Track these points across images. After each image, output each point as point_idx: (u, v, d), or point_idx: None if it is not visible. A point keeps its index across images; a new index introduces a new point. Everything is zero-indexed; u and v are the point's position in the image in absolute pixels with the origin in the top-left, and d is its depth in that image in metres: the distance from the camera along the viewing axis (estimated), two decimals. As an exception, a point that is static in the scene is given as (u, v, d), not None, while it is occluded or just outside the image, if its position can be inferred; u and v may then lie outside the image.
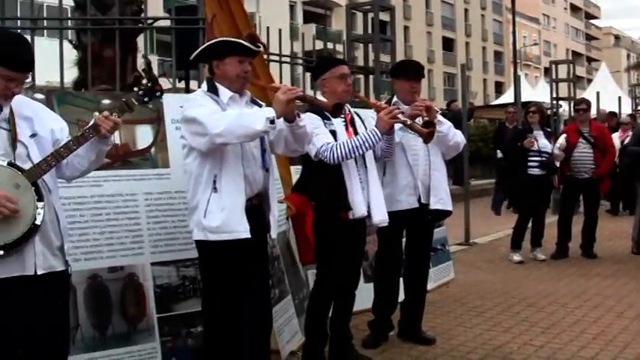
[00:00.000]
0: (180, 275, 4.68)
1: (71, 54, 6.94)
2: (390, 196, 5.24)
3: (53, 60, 5.61)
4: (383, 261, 5.71)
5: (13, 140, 3.33)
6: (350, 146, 4.61)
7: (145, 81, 3.71)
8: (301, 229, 4.76)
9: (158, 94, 3.68)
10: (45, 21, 8.38)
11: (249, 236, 3.99)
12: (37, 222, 3.29)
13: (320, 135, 4.61)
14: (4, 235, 3.21)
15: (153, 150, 4.83)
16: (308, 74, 5.42)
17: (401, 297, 5.84)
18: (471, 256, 9.76)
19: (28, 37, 3.80)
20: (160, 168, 4.81)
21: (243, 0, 5.54)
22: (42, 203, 3.31)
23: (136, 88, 3.64)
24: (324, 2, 44.66)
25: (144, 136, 4.82)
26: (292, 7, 48.29)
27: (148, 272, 4.57)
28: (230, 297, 4.09)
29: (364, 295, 5.62)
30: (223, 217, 3.97)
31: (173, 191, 4.76)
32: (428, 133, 4.77)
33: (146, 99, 3.63)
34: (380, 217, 4.86)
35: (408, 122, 4.83)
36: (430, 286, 6.68)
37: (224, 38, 4.38)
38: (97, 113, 3.59)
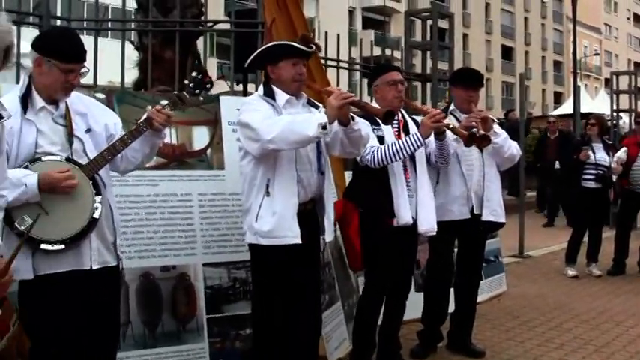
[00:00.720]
0: (231, 277, 4.70)
1: (132, 55, 7.06)
2: (443, 205, 5.18)
3: (115, 61, 5.71)
4: (434, 270, 5.65)
5: (70, 136, 3.43)
6: (392, 150, 4.57)
7: (194, 73, 3.74)
8: (347, 236, 4.75)
9: (208, 85, 3.73)
10: (109, 22, 8.52)
11: (299, 242, 3.99)
12: (96, 216, 3.37)
13: None
14: (65, 230, 3.29)
15: (209, 151, 4.86)
16: (365, 80, 5.40)
17: (451, 307, 5.77)
18: (524, 269, 9.60)
19: (92, 38, 3.91)
20: (215, 170, 4.85)
21: (302, 4, 5.55)
22: (99, 197, 3.39)
23: (186, 81, 3.68)
24: (383, 9, 44.57)
25: (200, 137, 4.86)
26: (351, 13, 48.34)
27: (199, 272, 4.60)
28: (280, 301, 4.09)
29: (414, 305, 5.56)
30: (274, 221, 3.98)
31: (227, 193, 4.78)
32: (467, 137, 4.69)
33: (196, 91, 3.67)
34: (427, 226, 4.80)
35: (450, 126, 4.78)
36: (481, 297, 6.59)
37: (276, 42, 4.40)
38: (149, 107, 3.67)
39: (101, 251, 3.46)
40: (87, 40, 3.79)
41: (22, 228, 3.19)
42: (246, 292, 4.67)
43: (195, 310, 4.54)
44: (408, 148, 4.58)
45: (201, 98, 4.41)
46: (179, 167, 4.72)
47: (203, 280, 4.61)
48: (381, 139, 4.65)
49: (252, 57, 4.25)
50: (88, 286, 3.39)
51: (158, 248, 4.52)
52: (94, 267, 3.41)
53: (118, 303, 3.70)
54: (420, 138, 4.59)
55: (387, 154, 4.56)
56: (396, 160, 4.62)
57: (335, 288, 5.37)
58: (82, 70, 3.45)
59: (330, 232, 4.33)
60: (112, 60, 5.95)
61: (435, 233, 4.89)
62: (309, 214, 4.11)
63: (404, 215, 4.66)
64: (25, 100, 3.38)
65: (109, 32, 9.37)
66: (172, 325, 4.47)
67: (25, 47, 5.62)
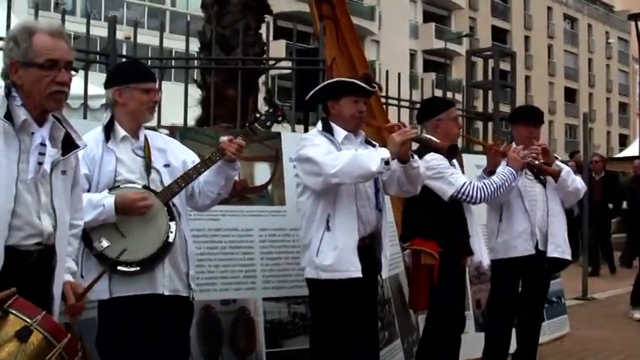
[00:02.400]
0: (291, 312, 4.72)
1: (195, 94, 7.22)
2: (506, 242, 5.13)
3: (178, 105, 5.84)
4: (496, 309, 5.55)
5: (148, 167, 3.58)
6: (495, 186, 4.61)
7: (267, 107, 3.85)
8: (426, 276, 4.61)
9: (280, 118, 3.85)
10: (172, 62, 8.74)
11: (360, 275, 3.99)
12: (170, 240, 3.48)
13: (456, 175, 4.59)
14: (141, 251, 3.41)
15: (270, 187, 4.93)
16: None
17: (512, 348, 5.66)
18: (588, 312, 9.36)
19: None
20: (276, 205, 4.91)
21: (363, 47, 5.64)
22: (174, 223, 3.50)
23: (258, 114, 3.80)
24: (444, 51, 44.64)
25: (262, 173, 4.94)
26: (413, 56, 48.55)
27: (259, 307, 4.64)
28: (339, 335, 4.08)
29: (475, 344, 5.49)
30: (335, 256, 3.99)
31: (288, 229, 4.82)
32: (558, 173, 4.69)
33: (268, 123, 3.78)
34: (487, 260, 4.86)
35: (537, 162, 4.78)
36: (543, 339, 6.44)
37: (340, 78, 4.46)
38: (223, 137, 3.80)
39: (172, 279, 3.54)
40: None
41: (101, 250, 3.34)
42: (305, 327, 4.67)
43: (254, 345, 4.57)
44: (506, 183, 4.64)
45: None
46: (240, 202, 4.79)
47: (263, 314, 4.64)
48: None
49: (314, 91, 4.32)
50: (160, 313, 3.48)
51: (219, 282, 4.59)
52: (165, 293, 3.49)
53: (187, 335, 3.76)
54: (514, 171, 4.64)
55: (492, 189, 4.63)
56: (499, 195, 4.65)
57: (394, 325, 5.34)
58: (156, 88, 3.65)
59: (386, 269, 4.32)
60: (174, 103, 6.09)
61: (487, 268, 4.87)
62: (367, 249, 4.12)
63: (477, 252, 4.67)
64: (108, 131, 3.58)
65: (172, 76, 9.57)
66: (232, 358, 4.50)
67: (92, 90, 5.85)
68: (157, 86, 3.67)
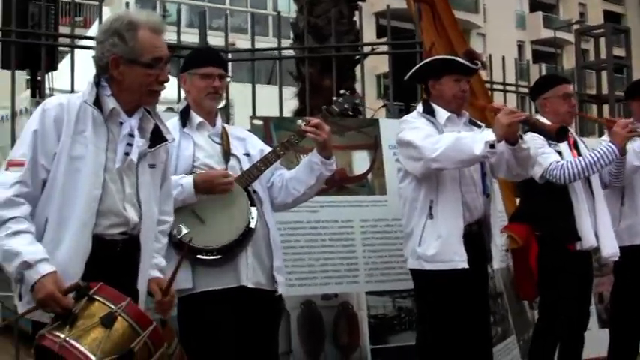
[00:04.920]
0: (396, 306, 4.53)
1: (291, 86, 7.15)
2: (630, 228, 4.70)
3: (273, 104, 5.70)
4: (621, 303, 5.12)
5: (226, 153, 3.46)
6: (584, 163, 4.16)
7: (343, 90, 3.70)
8: (524, 262, 4.35)
9: (357, 100, 3.71)
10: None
11: (466, 266, 3.73)
12: (252, 226, 3.31)
13: (546, 154, 4.22)
14: (221, 238, 3.25)
15: (370, 176, 4.74)
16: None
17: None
18: None
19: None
20: (377, 195, 4.71)
21: (469, 39, 5.38)
22: (254, 208, 3.34)
23: (334, 97, 3.63)
24: (553, 41, 43.25)
25: (361, 162, 4.75)
26: (520, 47, 47.30)
27: (362, 301, 4.47)
28: (447, 331, 3.82)
29: (599, 342, 5.10)
30: (439, 245, 3.75)
31: (390, 219, 4.61)
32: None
33: (345, 105, 3.61)
34: (610, 250, 4.35)
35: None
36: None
37: (440, 56, 4.21)
38: (300, 121, 3.64)
39: (256, 271, 3.36)
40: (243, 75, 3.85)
41: (180, 236, 3.21)
42: (412, 321, 4.47)
43: (358, 340, 4.41)
44: (602, 160, 4.16)
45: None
46: (339, 193, 4.61)
47: (367, 308, 4.46)
48: (559, 155, 4.27)
49: (413, 70, 4.10)
50: (245, 307, 3.30)
51: (319, 276, 4.42)
52: (248, 285, 3.31)
53: (274, 331, 3.57)
54: (615, 148, 4.18)
55: (579, 168, 4.15)
56: (587, 175, 4.22)
57: (508, 320, 5.04)
58: (219, 73, 3.49)
59: (497, 259, 4.02)
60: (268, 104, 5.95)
61: (617, 259, 4.43)
62: (474, 236, 3.84)
63: (588, 237, 4.24)
64: (184, 118, 3.48)
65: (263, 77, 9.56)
66: (335, 355, 4.36)
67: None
68: (220, 71, 3.50)
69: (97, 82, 2.69)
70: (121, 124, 2.69)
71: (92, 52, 2.87)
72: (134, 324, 2.38)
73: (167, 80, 2.75)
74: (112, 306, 2.37)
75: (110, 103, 2.66)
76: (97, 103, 2.65)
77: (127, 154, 2.68)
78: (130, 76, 2.66)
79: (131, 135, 2.70)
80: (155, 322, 2.48)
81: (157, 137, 2.81)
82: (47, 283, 2.41)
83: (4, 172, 2.58)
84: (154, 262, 2.86)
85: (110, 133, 2.66)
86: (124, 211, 2.66)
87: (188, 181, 3.25)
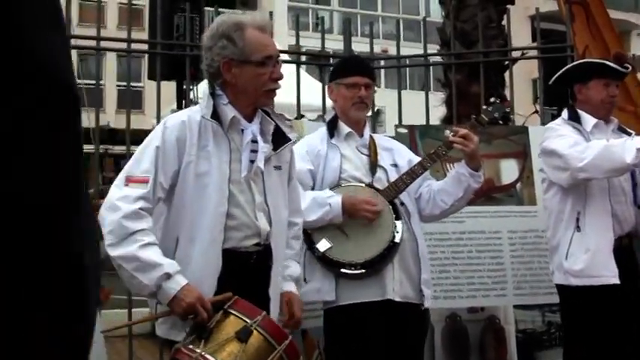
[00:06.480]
0: (546, 321, 4.36)
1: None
2: None
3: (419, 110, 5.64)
4: None
5: (373, 164, 3.43)
6: None
7: (492, 99, 3.58)
8: None
9: (507, 109, 3.60)
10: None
11: (617, 282, 3.52)
12: (396, 240, 3.26)
13: None
14: (365, 252, 3.23)
15: (518, 186, 4.57)
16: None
17: None
18: None
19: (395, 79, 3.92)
20: (526, 205, 4.53)
21: (629, 42, 5.06)
22: (400, 222, 3.29)
23: (484, 106, 3.53)
24: None
25: (509, 170, 4.60)
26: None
27: (509, 315, 4.33)
28: (597, 352, 3.61)
29: None
30: (587, 259, 3.57)
31: (540, 230, 4.40)
32: None
33: (495, 114, 3.50)
34: None
35: None
36: None
37: (588, 59, 4.00)
38: (447, 131, 3.55)
39: (403, 284, 3.31)
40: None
41: (323, 251, 3.23)
42: (562, 337, 4.26)
43: (505, 356, 4.28)
44: None
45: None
46: (486, 203, 4.49)
47: (514, 323, 4.31)
48: None
49: (559, 73, 3.93)
50: (391, 321, 3.25)
51: (465, 288, 4.31)
52: (395, 299, 3.26)
53: (421, 345, 3.50)
54: None
55: None
56: None
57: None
58: (365, 82, 3.46)
59: None
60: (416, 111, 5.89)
61: None
62: (625, 250, 3.62)
63: None
64: (332, 128, 3.50)
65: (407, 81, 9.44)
66: (481, 371, 4.22)
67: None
68: (367, 81, 3.46)
69: (212, 93, 2.70)
70: (242, 131, 2.69)
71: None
72: (270, 338, 2.38)
73: (281, 77, 2.71)
74: (248, 320, 2.39)
75: (229, 112, 2.66)
76: (215, 115, 2.64)
77: (252, 161, 2.67)
78: (243, 77, 2.65)
79: (254, 141, 2.69)
80: (290, 336, 2.48)
81: (280, 137, 2.78)
82: (193, 289, 2.45)
83: (125, 188, 2.57)
84: (287, 273, 2.86)
85: (232, 142, 2.66)
86: (255, 222, 2.65)
87: (337, 201, 3.24)
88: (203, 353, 2.32)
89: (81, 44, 4.95)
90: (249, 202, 2.66)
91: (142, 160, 2.62)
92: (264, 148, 2.70)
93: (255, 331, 2.37)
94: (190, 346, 2.35)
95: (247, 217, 2.64)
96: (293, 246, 2.95)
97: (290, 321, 2.81)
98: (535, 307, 4.36)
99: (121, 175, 2.63)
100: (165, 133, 2.63)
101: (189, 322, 2.46)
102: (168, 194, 2.65)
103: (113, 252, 2.47)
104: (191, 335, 2.42)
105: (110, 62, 23.33)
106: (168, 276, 2.45)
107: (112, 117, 20.71)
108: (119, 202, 2.52)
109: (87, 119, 5.44)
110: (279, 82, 2.73)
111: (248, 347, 2.35)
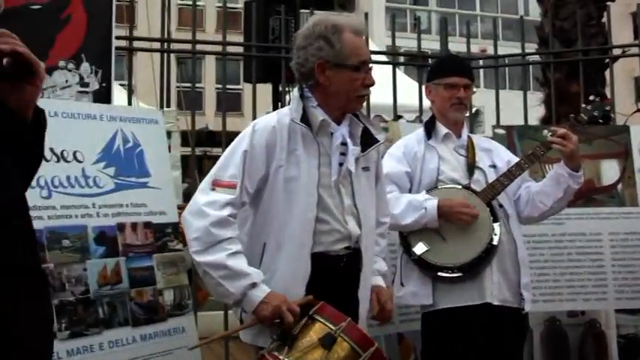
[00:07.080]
0: (649, 326, 4.21)
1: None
2: None
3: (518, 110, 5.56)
4: None
5: (471, 166, 3.39)
6: None
7: (592, 97, 3.51)
8: None
9: (607, 107, 3.50)
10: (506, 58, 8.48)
11: None
12: (494, 242, 3.22)
13: None
14: (462, 255, 3.22)
15: (619, 186, 4.47)
16: None
17: None
18: None
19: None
20: (628, 206, 4.42)
21: None
22: (498, 224, 3.26)
23: (584, 105, 3.47)
24: None
25: (609, 171, 4.49)
26: None
27: (611, 319, 4.24)
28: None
29: None
30: None
31: (643, 232, 4.32)
32: None
33: (595, 113, 3.43)
34: None
35: None
36: None
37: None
38: (546, 131, 3.52)
39: (502, 288, 3.25)
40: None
41: (420, 254, 3.22)
42: (667, 344, 4.15)
43: (607, 361, 4.15)
44: None
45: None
46: (587, 204, 4.40)
47: (616, 327, 4.21)
48: None
49: None
50: (489, 326, 3.20)
51: (565, 292, 4.24)
52: (493, 303, 3.21)
53: (520, 350, 3.43)
54: None
55: None
56: None
57: None
58: (464, 83, 3.42)
59: None
60: (515, 111, 5.80)
61: None
62: None
63: None
64: (429, 129, 3.49)
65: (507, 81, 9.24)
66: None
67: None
68: (465, 81, 3.42)
69: (301, 95, 2.67)
70: (331, 134, 2.66)
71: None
72: (354, 345, 2.33)
73: (373, 84, 2.68)
74: (332, 327, 2.35)
75: (318, 115, 2.63)
76: (304, 118, 2.61)
77: (341, 164, 2.66)
78: (336, 81, 2.61)
79: (344, 144, 2.67)
80: (376, 343, 2.42)
81: (367, 138, 2.75)
82: (278, 294, 2.46)
83: (212, 192, 2.56)
84: (374, 268, 2.85)
85: (321, 146, 2.64)
86: (345, 225, 2.64)
87: (432, 204, 3.21)
88: None
89: (178, 48, 5.06)
90: (339, 206, 2.65)
91: (229, 164, 2.61)
92: (354, 151, 2.68)
93: (339, 338, 2.33)
94: (275, 353, 2.33)
95: (337, 222, 2.63)
96: (379, 243, 2.95)
97: (382, 313, 2.82)
98: (637, 312, 4.23)
99: (207, 179, 2.63)
100: (254, 138, 2.62)
101: (275, 329, 2.45)
102: (254, 198, 2.65)
103: (200, 258, 2.49)
104: (276, 341, 2.38)
105: (209, 65, 23.92)
106: (254, 285, 2.47)
107: (211, 119, 21.18)
108: (206, 207, 2.52)
109: (185, 121, 5.59)
110: (370, 88, 2.71)
111: (332, 354, 2.30)
